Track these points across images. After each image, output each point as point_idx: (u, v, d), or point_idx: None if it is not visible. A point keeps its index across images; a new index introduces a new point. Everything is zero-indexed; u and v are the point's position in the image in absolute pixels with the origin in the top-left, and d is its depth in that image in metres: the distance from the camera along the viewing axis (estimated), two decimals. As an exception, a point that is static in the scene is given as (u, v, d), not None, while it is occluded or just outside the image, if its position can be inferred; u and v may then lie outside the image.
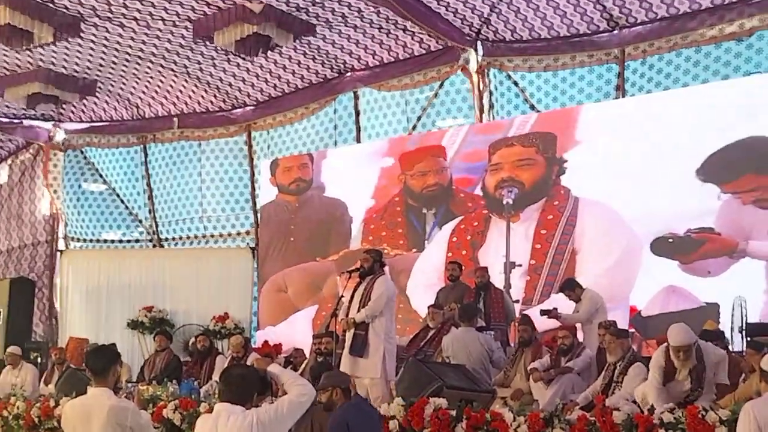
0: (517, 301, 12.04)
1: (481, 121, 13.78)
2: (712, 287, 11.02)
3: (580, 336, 9.67)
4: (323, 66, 14.96)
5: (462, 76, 13.97)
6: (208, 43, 13.78)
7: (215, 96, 16.20)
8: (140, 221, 17.81)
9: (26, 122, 17.10)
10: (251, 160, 16.75)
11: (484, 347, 9.27)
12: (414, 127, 14.64)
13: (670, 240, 11.48)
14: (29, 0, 12.15)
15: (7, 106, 16.33)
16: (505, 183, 12.97)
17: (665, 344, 7.33)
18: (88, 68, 14.85)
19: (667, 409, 6.42)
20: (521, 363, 9.21)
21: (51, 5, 12.44)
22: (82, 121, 17.32)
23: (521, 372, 9.13)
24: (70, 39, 13.48)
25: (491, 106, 13.74)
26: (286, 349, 12.53)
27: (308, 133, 15.98)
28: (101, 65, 14.82)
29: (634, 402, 7.25)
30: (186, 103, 16.52)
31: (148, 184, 17.66)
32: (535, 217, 12.70)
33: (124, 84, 15.88)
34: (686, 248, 11.37)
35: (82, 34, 13.36)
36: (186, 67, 15.11)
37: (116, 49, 14.23)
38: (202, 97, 16.27)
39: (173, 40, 13.94)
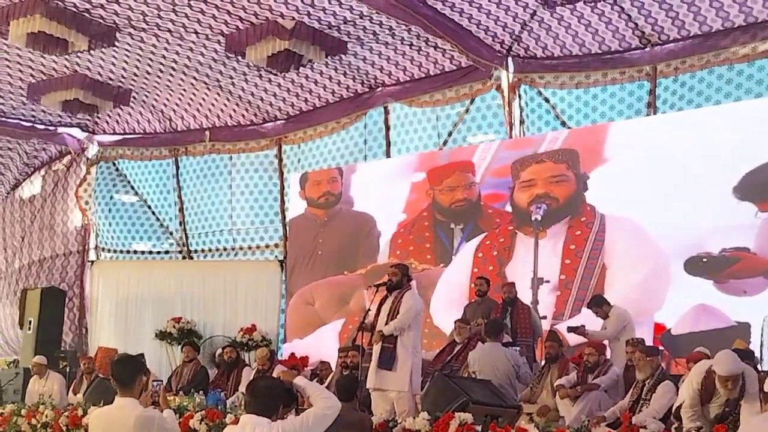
0: (545, 317, 12.00)
1: (511, 137, 13.76)
2: (747, 306, 10.89)
3: (608, 353, 9.63)
4: (354, 81, 15.01)
5: (493, 92, 13.93)
6: (240, 58, 13.86)
7: (246, 110, 16.29)
8: (170, 233, 17.93)
9: (60, 130, 17.26)
10: (281, 173, 16.80)
11: (511, 363, 9.25)
12: (445, 143, 14.64)
13: (704, 260, 11.36)
14: (65, 9, 12.25)
15: (43, 111, 16.50)
16: (541, 199, 12.92)
17: (706, 367, 6.97)
18: (123, 77, 14.98)
19: (694, 428, 6.37)
20: (548, 379, 9.19)
21: (87, 15, 12.55)
22: (115, 133, 17.51)
23: (548, 388, 9.10)
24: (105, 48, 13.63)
25: (522, 122, 13.71)
26: (313, 361, 12.58)
27: (338, 148, 16.01)
28: (135, 75, 14.95)
29: (662, 420, 7.19)
30: (218, 117, 16.63)
31: (179, 197, 17.77)
32: (562, 233, 12.65)
33: (158, 95, 16.02)
34: (720, 267, 11.24)
35: (117, 44, 13.47)
36: (218, 80, 15.22)
37: (150, 60, 14.36)
38: (234, 110, 16.38)
39: (206, 53, 14.06)
